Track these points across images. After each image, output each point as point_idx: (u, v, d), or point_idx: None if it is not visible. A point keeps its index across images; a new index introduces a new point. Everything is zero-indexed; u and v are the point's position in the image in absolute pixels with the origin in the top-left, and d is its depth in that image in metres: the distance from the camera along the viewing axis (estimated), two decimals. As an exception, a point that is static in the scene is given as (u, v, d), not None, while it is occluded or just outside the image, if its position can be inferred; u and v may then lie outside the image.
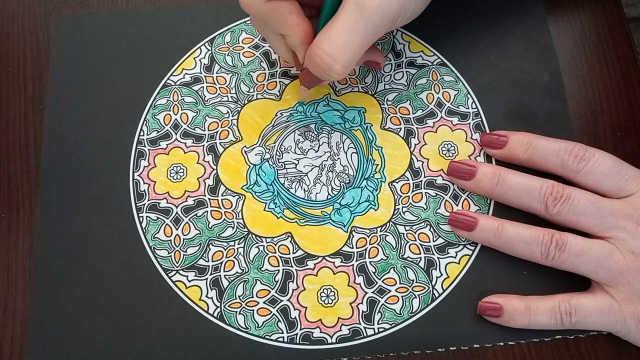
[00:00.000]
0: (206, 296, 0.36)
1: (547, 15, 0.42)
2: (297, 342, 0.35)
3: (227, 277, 0.37)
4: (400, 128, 0.40)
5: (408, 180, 0.39)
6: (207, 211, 0.38)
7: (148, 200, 0.38)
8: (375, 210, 0.38)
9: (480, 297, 0.36)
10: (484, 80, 0.41)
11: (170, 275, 0.37)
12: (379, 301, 0.36)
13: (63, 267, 0.37)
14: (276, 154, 0.39)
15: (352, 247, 0.37)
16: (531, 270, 0.36)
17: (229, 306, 0.36)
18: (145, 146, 0.39)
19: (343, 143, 0.39)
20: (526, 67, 0.41)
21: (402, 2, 0.33)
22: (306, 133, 0.40)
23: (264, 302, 0.36)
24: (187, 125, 0.40)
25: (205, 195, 0.38)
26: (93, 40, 0.42)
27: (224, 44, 0.42)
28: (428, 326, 0.36)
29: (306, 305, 0.36)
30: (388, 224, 0.38)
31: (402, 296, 0.36)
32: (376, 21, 0.32)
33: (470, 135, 0.39)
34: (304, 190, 0.38)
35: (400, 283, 0.36)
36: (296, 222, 0.38)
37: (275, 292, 0.36)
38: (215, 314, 0.36)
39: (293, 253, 0.37)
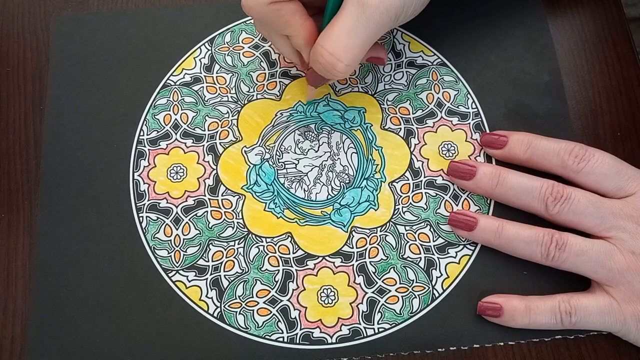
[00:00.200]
0: (206, 296, 0.36)
1: (547, 15, 0.42)
2: (297, 342, 0.35)
3: (227, 277, 0.37)
4: (400, 128, 0.40)
5: (408, 180, 0.39)
6: (207, 211, 0.38)
7: (148, 200, 0.38)
8: (375, 210, 0.38)
9: (480, 297, 0.36)
10: (484, 80, 0.41)
11: (170, 275, 0.37)
12: (379, 301, 0.36)
13: (63, 267, 0.37)
14: (276, 154, 0.39)
15: (352, 247, 0.37)
16: (531, 270, 0.36)
17: (229, 306, 0.36)
18: (145, 146, 0.39)
19: (343, 143, 0.39)
20: (526, 67, 0.41)
21: None
22: (306, 133, 0.40)
23: (264, 302, 0.36)
24: (187, 125, 0.40)
25: (205, 195, 0.38)
26: (93, 40, 0.42)
27: (224, 44, 0.42)
28: (428, 326, 0.36)
29: (306, 305, 0.36)
30: (388, 224, 0.38)
31: (402, 296, 0.36)
32: (378, 19, 0.32)
33: (470, 135, 0.39)
34: (304, 190, 0.38)
35: (400, 283, 0.36)
36: (296, 222, 0.38)
37: (275, 292, 0.36)
38: (215, 314, 0.36)
39: (293, 253, 0.37)
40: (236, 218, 0.38)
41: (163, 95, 0.40)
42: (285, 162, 0.39)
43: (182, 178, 0.39)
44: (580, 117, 0.40)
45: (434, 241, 0.37)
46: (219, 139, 0.39)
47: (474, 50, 0.41)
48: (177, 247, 0.37)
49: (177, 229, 0.37)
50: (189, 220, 0.38)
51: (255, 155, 0.39)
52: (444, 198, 0.38)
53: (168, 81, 0.41)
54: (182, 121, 0.40)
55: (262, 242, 0.37)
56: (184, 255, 0.37)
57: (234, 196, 0.38)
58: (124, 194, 0.38)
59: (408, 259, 0.37)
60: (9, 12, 0.43)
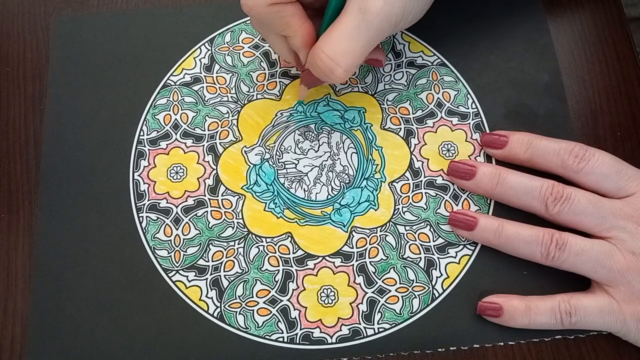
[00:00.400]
0: (206, 296, 0.36)
1: (547, 16, 0.42)
2: (297, 342, 0.35)
3: (227, 277, 0.36)
4: (400, 128, 0.40)
5: (408, 180, 0.39)
6: (207, 211, 0.38)
7: (148, 200, 0.38)
8: (375, 210, 0.38)
9: (480, 297, 0.36)
10: (483, 80, 0.41)
11: (170, 275, 0.37)
12: (379, 301, 0.36)
13: (63, 267, 0.37)
14: (276, 154, 0.39)
15: (352, 247, 0.37)
16: (531, 270, 0.36)
17: (229, 306, 0.36)
18: (145, 146, 0.39)
19: (343, 143, 0.39)
20: (526, 67, 0.41)
21: (404, 6, 0.33)
22: (306, 133, 0.40)
23: (264, 302, 0.36)
24: (187, 125, 0.40)
25: (205, 195, 0.38)
26: (93, 40, 0.42)
27: (224, 43, 0.42)
28: (428, 326, 0.36)
29: (306, 305, 0.36)
30: (388, 224, 0.38)
31: (402, 296, 0.36)
32: (378, 26, 0.32)
33: (470, 135, 0.39)
34: (304, 190, 0.38)
35: (400, 283, 0.36)
36: (296, 222, 0.38)
37: (275, 292, 0.36)
38: (215, 314, 0.36)
39: (293, 253, 0.37)
40: (236, 218, 0.38)
41: (163, 95, 0.40)
42: (285, 162, 0.39)
43: (182, 178, 0.39)
44: (580, 117, 0.40)
45: (434, 241, 0.37)
46: (219, 139, 0.39)
47: (474, 50, 0.41)
48: (177, 247, 0.37)
49: (177, 229, 0.37)
50: (189, 220, 0.38)
51: (255, 155, 0.39)
52: (444, 198, 0.38)
53: (168, 81, 0.41)
54: (182, 121, 0.40)
55: (262, 242, 0.37)
56: (184, 255, 0.37)
57: (234, 196, 0.38)
58: (124, 194, 0.38)
59: (408, 259, 0.37)
60: (9, 12, 0.43)
